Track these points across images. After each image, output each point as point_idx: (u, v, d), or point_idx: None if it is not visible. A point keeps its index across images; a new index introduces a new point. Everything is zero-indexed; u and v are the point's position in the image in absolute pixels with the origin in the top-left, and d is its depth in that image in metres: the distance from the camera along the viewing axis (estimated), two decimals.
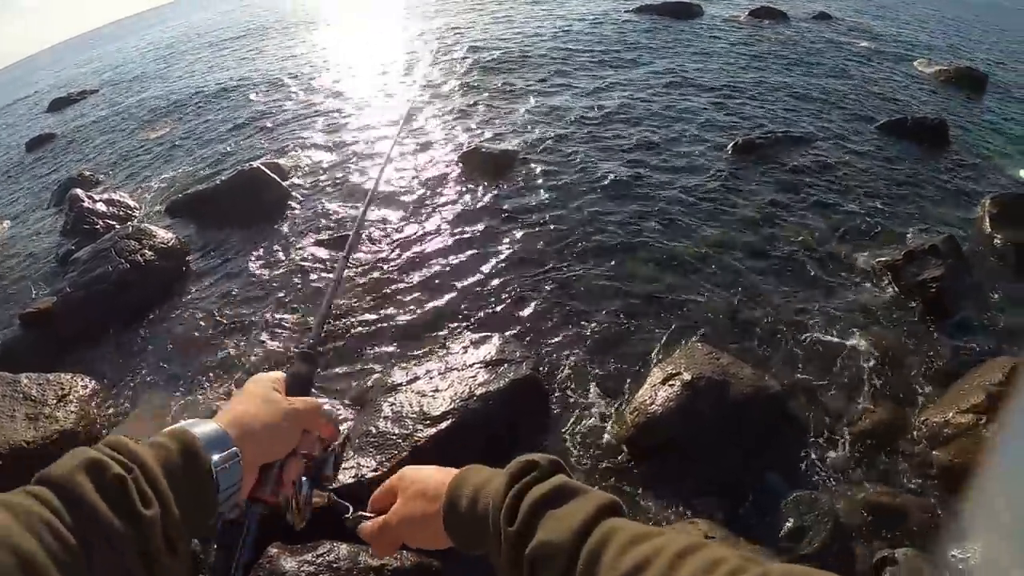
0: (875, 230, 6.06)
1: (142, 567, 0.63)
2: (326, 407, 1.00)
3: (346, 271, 5.71)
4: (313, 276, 5.81)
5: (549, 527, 0.72)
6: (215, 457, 0.77)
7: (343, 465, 3.36)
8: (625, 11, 15.93)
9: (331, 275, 5.44)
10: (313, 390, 1.08)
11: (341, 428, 1.13)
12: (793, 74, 11.09)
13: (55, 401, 4.48)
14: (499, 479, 0.81)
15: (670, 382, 3.82)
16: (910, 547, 3.24)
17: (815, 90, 10.20)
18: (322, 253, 6.17)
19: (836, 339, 4.65)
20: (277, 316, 5.32)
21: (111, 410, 4.65)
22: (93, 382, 4.78)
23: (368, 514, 1.03)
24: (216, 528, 0.87)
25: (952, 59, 12.85)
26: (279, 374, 1.01)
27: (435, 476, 0.95)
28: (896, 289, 5.11)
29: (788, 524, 3.39)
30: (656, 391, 3.82)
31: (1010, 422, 3.45)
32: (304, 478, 0.98)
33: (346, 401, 4.10)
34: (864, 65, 12.09)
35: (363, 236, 6.30)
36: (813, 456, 3.77)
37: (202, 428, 0.79)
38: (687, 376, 3.80)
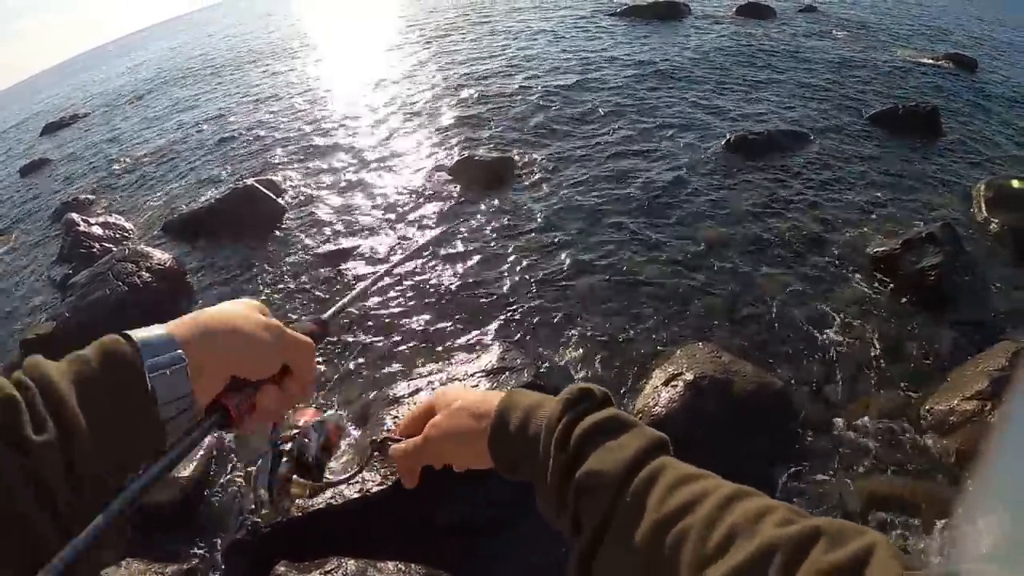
0: (872, 221, 6.06)
1: (35, 503, 0.52)
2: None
3: (348, 292, 5.71)
4: (311, 292, 5.81)
5: (600, 457, 0.70)
6: (149, 361, 0.63)
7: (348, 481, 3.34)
8: (612, 14, 15.99)
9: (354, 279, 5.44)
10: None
11: (333, 413, 0.91)
12: (782, 69, 11.11)
13: None
14: (552, 404, 0.78)
15: (673, 383, 3.81)
16: (919, 536, 3.24)
17: (805, 84, 10.22)
18: (319, 268, 6.16)
19: (837, 331, 4.64)
20: None
21: None
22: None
23: (397, 437, 0.94)
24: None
25: (940, 46, 12.89)
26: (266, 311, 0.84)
27: (479, 395, 0.88)
28: (895, 278, 5.10)
29: None
30: (659, 392, 3.81)
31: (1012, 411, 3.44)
32: (284, 459, 0.84)
33: (348, 415, 4.09)
34: (852, 56, 12.11)
35: (364, 249, 6.32)
36: (818, 448, 3.75)
37: (143, 332, 0.66)
38: (690, 376, 3.79)
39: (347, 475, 1.00)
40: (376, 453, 0.95)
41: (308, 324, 0.90)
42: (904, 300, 4.92)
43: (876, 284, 5.12)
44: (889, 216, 6.12)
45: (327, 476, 0.91)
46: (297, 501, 0.85)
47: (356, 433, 3.83)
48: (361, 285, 1.15)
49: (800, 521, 0.57)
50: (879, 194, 6.57)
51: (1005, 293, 5.05)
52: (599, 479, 0.67)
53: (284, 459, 0.84)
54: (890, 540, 0.57)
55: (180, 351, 0.65)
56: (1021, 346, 3.94)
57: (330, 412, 0.93)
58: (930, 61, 11.79)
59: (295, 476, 0.84)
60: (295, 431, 0.87)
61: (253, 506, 3.36)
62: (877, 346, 4.48)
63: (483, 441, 0.82)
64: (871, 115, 8.63)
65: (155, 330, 0.67)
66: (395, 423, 3.62)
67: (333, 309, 0.99)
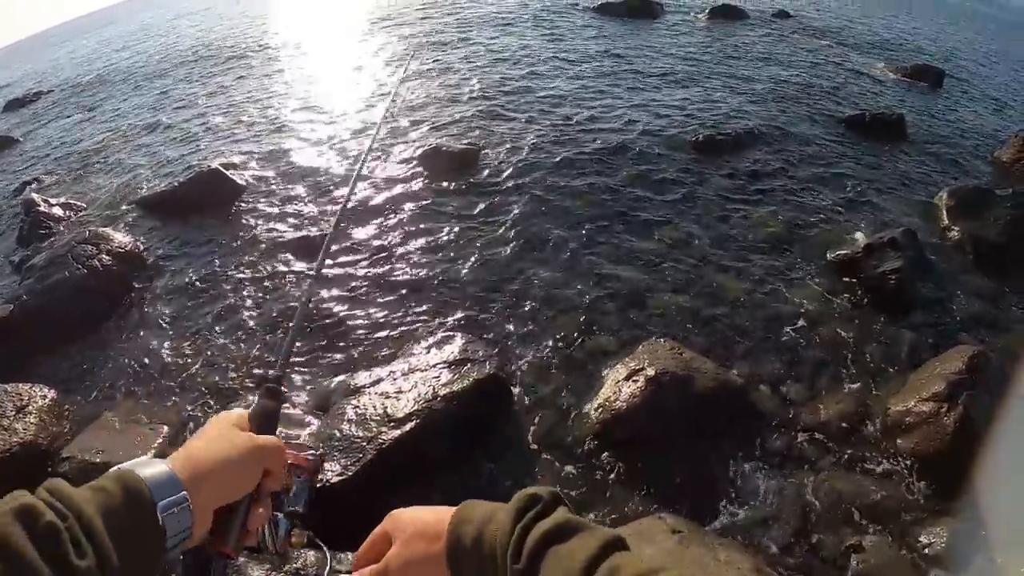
0: (835, 224, 6.18)
1: None
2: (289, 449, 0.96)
3: (311, 277, 5.64)
4: (274, 278, 5.74)
5: (551, 564, 0.71)
6: (162, 503, 0.73)
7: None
8: (584, 9, 16.00)
9: (297, 293, 5.41)
10: (281, 428, 1.01)
11: (310, 459, 1.04)
12: (752, 72, 11.25)
13: (14, 412, 4.35)
14: (503, 514, 0.79)
15: (634, 378, 3.85)
16: (877, 534, 3.32)
17: (774, 87, 10.37)
18: (281, 253, 6.09)
19: (797, 332, 4.74)
20: (238, 320, 5.23)
21: (72, 420, 4.52)
22: (53, 392, 4.63)
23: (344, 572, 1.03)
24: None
25: (909, 56, 13.18)
26: (241, 411, 0.97)
27: (431, 515, 0.89)
28: (857, 281, 5.21)
29: (756, 515, 3.44)
30: (620, 387, 3.85)
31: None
32: (279, 515, 0.94)
33: (310, 405, 4.05)
34: (823, 62, 12.33)
35: (320, 237, 6.24)
36: (778, 447, 3.83)
37: (150, 470, 0.75)
38: (651, 372, 3.83)
39: None
40: None
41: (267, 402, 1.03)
42: (864, 303, 5.03)
43: (837, 286, 5.23)
44: (852, 220, 6.25)
45: None
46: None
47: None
48: (294, 324, 1.21)
49: None
50: (843, 198, 6.70)
51: (963, 298, 5.20)
52: None
53: (281, 516, 0.95)
54: None
55: (184, 492, 0.76)
56: (977, 350, 4.05)
57: (307, 455, 1.02)
58: (898, 70, 12.06)
59: (294, 528, 0.97)
60: (284, 491, 0.97)
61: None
62: (836, 347, 4.59)
63: (442, 564, 0.84)
64: (838, 120, 8.80)
65: (159, 468, 0.76)
66: (356, 413, 3.61)
67: (277, 365, 1.11)
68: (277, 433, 0.98)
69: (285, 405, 1.10)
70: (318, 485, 1.03)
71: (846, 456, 3.79)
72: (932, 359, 4.26)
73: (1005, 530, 3.25)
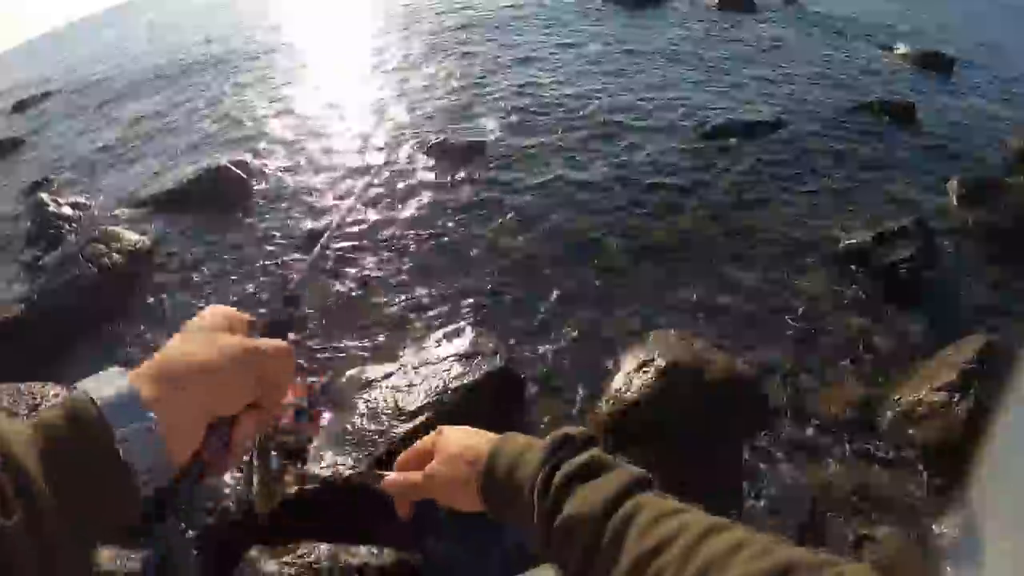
0: (844, 213, 6.13)
1: None
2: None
3: (321, 273, 5.67)
4: (278, 275, 5.76)
5: (577, 501, 0.72)
6: (121, 431, 0.58)
7: (320, 464, 3.34)
8: (590, 2, 15.89)
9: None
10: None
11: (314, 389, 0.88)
12: (761, 59, 11.17)
13: (27, 411, 4.36)
14: (535, 452, 0.81)
15: (644, 369, 3.84)
16: (888, 525, 3.31)
17: (783, 75, 10.28)
18: (292, 250, 6.11)
19: (808, 322, 4.71)
20: (248, 313, 5.25)
21: None
22: (65, 391, 4.67)
23: (386, 473, 0.99)
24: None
25: (920, 43, 13.02)
26: (232, 311, 0.82)
27: (476, 438, 0.93)
28: (867, 271, 5.18)
29: (765, 506, 3.44)
30: (631, 378, 3.84)
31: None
32: (273, 453, 0.83)
33: (321, 400, 4.05)
34: (833, 50, 12.21)
35: (335, 231, 6.22)
36: (789, 438, 3.81)
37: (107, 389, 0.61)
38: (661, 363, 3.82)
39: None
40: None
41: (272, 319, 0.90)
42: (875, 293, 4.99)
43: (848, 276, 5.19)
44: (862, 209, 6.20)
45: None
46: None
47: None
48: (315, 251, 1.15)
49: (776, 553, 0.58)
50: (853, 187, 6.65)
51: (974, 287, 5.16)
52: (577, 522, 0.70)
53: (274, 453, 0.84)
54: (868, 568, 0.57)
55: (151, 413, 0.61)
56: (989, 339, 4.01)
57: (308, 382, 0.94)
58: (908, 57, 11.92)
59: (286, 465, 0.86)
60: (279, 421, 0.86)
61: (227, 490, 3.37)
62: (847, 337, 4.56)
63: (475, 488, 0.87)
64: (848, 108, 8.71)
65: (118, 385, 0.62)
66: (367, 407, 3.62)
67: (294, 283, 1.03)
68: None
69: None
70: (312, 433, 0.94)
71: (857, 446, 3.76)
72: (943, 349, 4.20)
73: (1015, 520, 3.23)
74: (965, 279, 5.26)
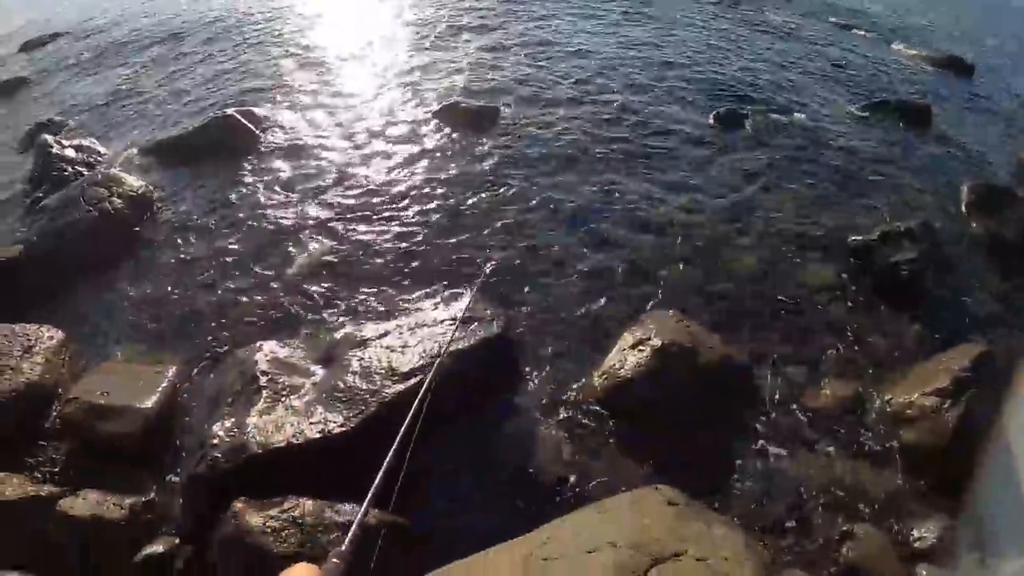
0: (851, 209, 6.09)
1: None
2: None
3: (323, 228, 5.64)
4: (283, 228, 5.73)
5: None
6: None
7: (310, 420, 3.34)
8: None
9: (315, 243, 5.40)
10: None
11: None
12: (778, 48, 11.04)
13: (21, 353, 4.39)
14: None
15: (640, 347, 3.85)
16: (870, 523, 3.33)
17: (798, 66, 10.17)
18: (293, 204, 6.08)
19: (806, 314, 4.71)
20: (246, 269, 5.24)
21: (78, 362, 4.57)
22: (60, 333, 4.67)
23: None
24: None
25: (940, 45, 12.86)
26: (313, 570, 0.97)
27: None
28: (869, 269, 5.15)
29: (751, 494, 3.46)
30: (626, 355, 3.85)
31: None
32: None
33: (314, 353, 4.06)
34: (849, 44, 12.05)
35: (341, 186, 6.23)
36: (779, 428, 3.83)
37: None
38: (657, 342, 3.83)
39: None
40: None
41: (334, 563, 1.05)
42: (875, 291, 4.98)
43: (850, 272, 5.17)
44: (869, 206, 6.16)
45: None
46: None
47: None
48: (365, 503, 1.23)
49: None
50: (862, 183, 6.60)
51: (974, 296, 5.13)
52: None
53: None
54: None
55: None
56: (984, 349, 4.02)
57: None
58: (928, 58, 11.77)
59: None
60: None
61: (215, 441, 3.38)
62: (844, 333, 4.56)
63: None
64: (863, 105, 8.61)
65: None
66: (360, 365, 3.61)
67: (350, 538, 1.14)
68: None
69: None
70: None
71: (845, 443, 3.79)
72: (939, 354, 4.24)
73: (997, 530, 3.25)
74: (966, 286, 5.24)
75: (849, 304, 4.85)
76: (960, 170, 7.36)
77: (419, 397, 2.34)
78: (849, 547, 3.21)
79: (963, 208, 6.28)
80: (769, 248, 5.41)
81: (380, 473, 1.21)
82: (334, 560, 1.04)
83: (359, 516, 1.19)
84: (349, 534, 1.12)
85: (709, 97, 8.36)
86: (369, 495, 1.25)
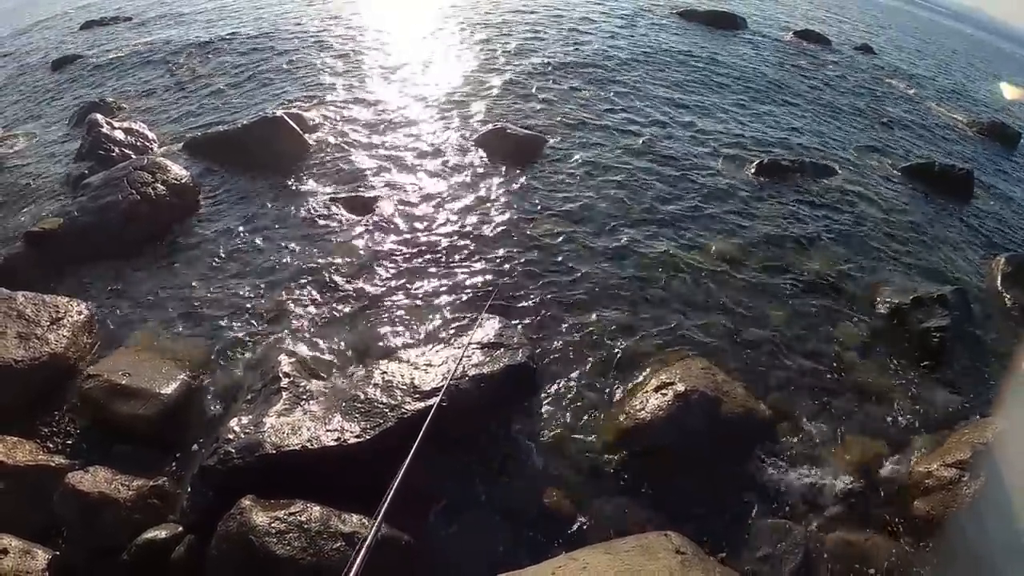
0: (886, 270, 6.03)
1: None
2: None
3: (362, 239, 5.69)
4: (319, 237, 5.78)
5: None
6: None
7: (327, 427, 3.34)
8: (666, 14, 15.76)
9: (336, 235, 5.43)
10: None
11: None
12: (827, 101, 11.05)
13: (48, 323, 4.47)
14: None
15: (663, 391, 3.82)
16: None
17: (846, 119, 10.17)
18: (332, 214, 6.13)
19: (833, 372, 4.64)
20: (278, 273, 5.29)
21: (103, 339, 4.64)
22: (89, 308, 4.76)
23: None
24: None
25: (986, 112, 12.77)
26: None
27: None
28: (900, 332, 5.09)
29: (759, 549, 3.40)
30: (648, 398, 3.82)
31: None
32: None
33: (339, 362, 4.08)
34: (898, 103, 12.01)
35: (381, 201, 6.28)
36: (795, 486, 3.76)
37: None
38: (680, 387, 3.80)
39: None
40: None
41: None
42: (904, 355, 4.91)
43: (880, 334, 5.11)
44: (904, 269, 6.10)
45: None
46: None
47: None
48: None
49: None
50: (898, 245, 6.54)
51: (1003, 369, 5.04)
52: None
53: None
54: None
55: None
56: (1008, 425, 3.94)
57: None
58: (974, 125, 11.69)
59: None
60: None
61: (230, 436, 3.40)
62: (869, 395, 4.49)
63: None
64: (906, 166, 8.56)
65: None
66: (383, 379, 3.62)
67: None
68: None
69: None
70: None
71: (859, 506, 3.72)
72: (961, 425, 4.19)
73: None
74: (996, 358, 5.15)
75: (877, 366, 4.78)
76: (998, 240, 7.27)
77: (428, 417, 2.33)
78: None
79: (998, 280, 6.19)
80: (802, 302, 5.36)
81: (392, 488, 1.15)
82: None
83: (372, 531, 1.13)
84: (363, 549, 1.06)
85: (756, 143, 8.39)
86: (381, 509, 1.19)
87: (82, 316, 4.66)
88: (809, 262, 5.95)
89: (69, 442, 3.85)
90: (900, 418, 4.36)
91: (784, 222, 6.59)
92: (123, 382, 3.89)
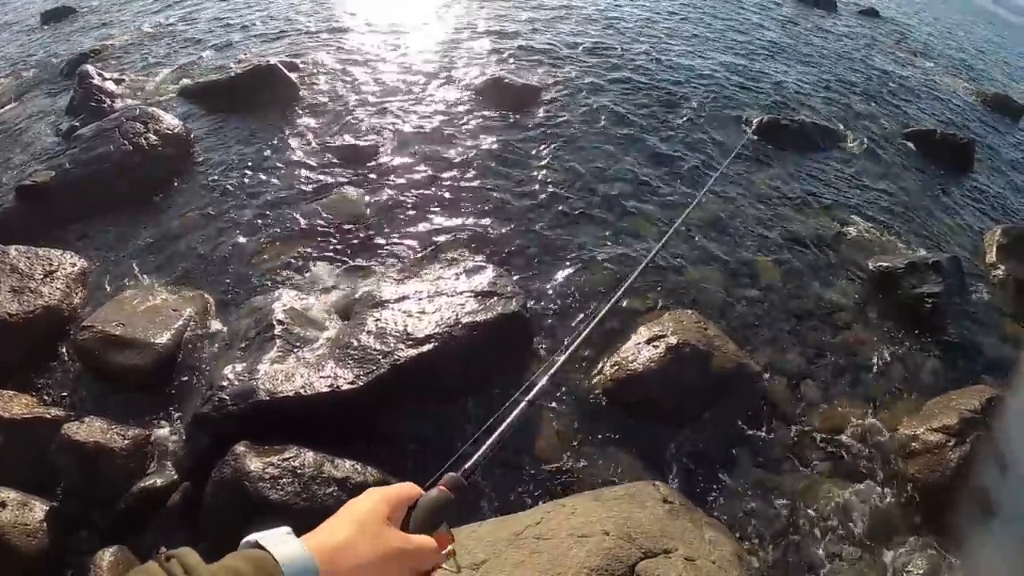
0: (882, 233, 6.03)
1: None
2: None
3: (357, 187, 5.63)
4: (314, 183, 5.73)
5: None
6: None
7: (321, 373, 3.36)
8: None
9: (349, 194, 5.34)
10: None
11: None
12: (828, 64, 10.92)
13: (42, 276, 4.46)
14: None
15: (655, 343, 3.84)
16: (858, 548, 3.33)
17: (847, 82, 10.07)
18: (326, 160, 6.07)
19: (824, 332, 4.67)
20: (273, 220, 5.26)
21: (97, 291, 4.62)
22: (82, 261, 4.75)
23: None
24: None
25: (990, 84, 12.63)
26: (396, 494, 0.87)
27: None
28: (893, 296, 5.10)
29: (746, 504, 3.46)
30: (640, 349, 3.85)
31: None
32: None
33: (331, 307, 4.08)
34: (902, 69, 11.87)
35: (375, 148, 6.22)
36: (783, 441, 3.82)
37: (285, 550, 0.71)
38: (672, 340, 3.82)
39: None
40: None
41: (441, 490, 0.92)
42: (896, 319, 4.93)
43: (873, 296, 5.13)
44: (900, 233, 6.10)
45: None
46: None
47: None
48: (498, 432, 1.10)
49: None
50: (895, 209, 6.53)
51: (993, 338, 5.08)
52: None
53: None
54: None
55: None
56: (996, 393, 3.99)
57: (450, 532, 0.94)
58: (979, 95, 11.57)
59: None
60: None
61: (224, 383, 3.41)
62: (859, 356, 4.52)
63: None
64: (906, 132, 8.50)
65: (296, 551, 0.71)
66: (376, 326, 3.62)
67: (472, 462, 1.01)
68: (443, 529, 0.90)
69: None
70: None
71: (846, 466, 3.78)
72: (950, 390, 4.21)
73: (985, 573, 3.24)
74: (986, 327, 5.18)
75: (868, 328, 4.81)
76: (995, 211, 7.27)
77: None
78: (834, 570, 3.22)
79: (994, 249, 6.19)
80: (795, 261, 5.37)
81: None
82: (442, 487, 0.93)
83: (488, 444, 1.04)
84: (471, 462, 0.99)
85: (753, 102, 8.32)
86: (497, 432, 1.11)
87: (76, 268, 4.65)
88: (804, 221, 5.95)
89: (65, 394, 3.87)
90: (889, 380, 4.41)
91: (781, 181, 6.58)
92: (117, 332, 3.89)
